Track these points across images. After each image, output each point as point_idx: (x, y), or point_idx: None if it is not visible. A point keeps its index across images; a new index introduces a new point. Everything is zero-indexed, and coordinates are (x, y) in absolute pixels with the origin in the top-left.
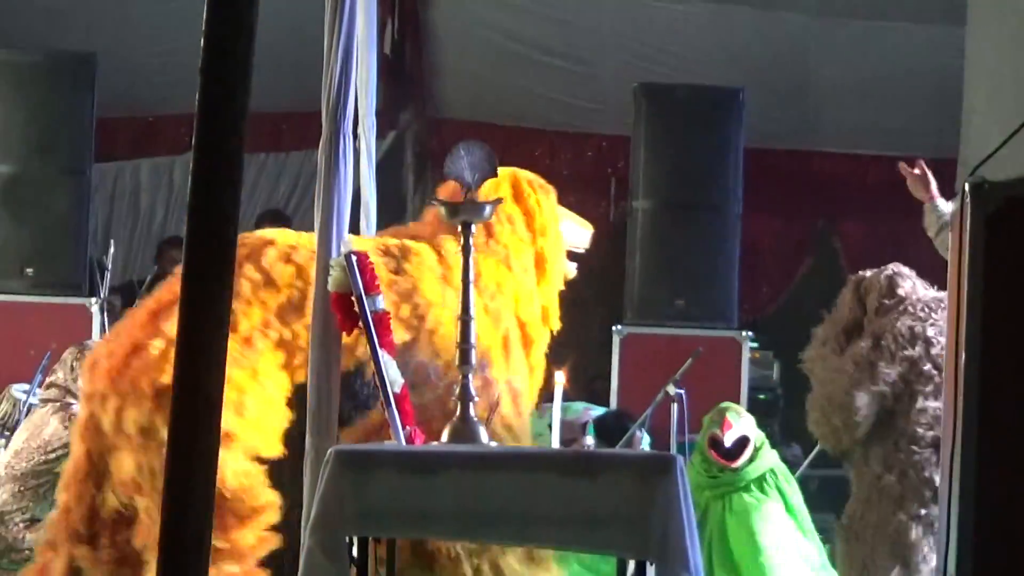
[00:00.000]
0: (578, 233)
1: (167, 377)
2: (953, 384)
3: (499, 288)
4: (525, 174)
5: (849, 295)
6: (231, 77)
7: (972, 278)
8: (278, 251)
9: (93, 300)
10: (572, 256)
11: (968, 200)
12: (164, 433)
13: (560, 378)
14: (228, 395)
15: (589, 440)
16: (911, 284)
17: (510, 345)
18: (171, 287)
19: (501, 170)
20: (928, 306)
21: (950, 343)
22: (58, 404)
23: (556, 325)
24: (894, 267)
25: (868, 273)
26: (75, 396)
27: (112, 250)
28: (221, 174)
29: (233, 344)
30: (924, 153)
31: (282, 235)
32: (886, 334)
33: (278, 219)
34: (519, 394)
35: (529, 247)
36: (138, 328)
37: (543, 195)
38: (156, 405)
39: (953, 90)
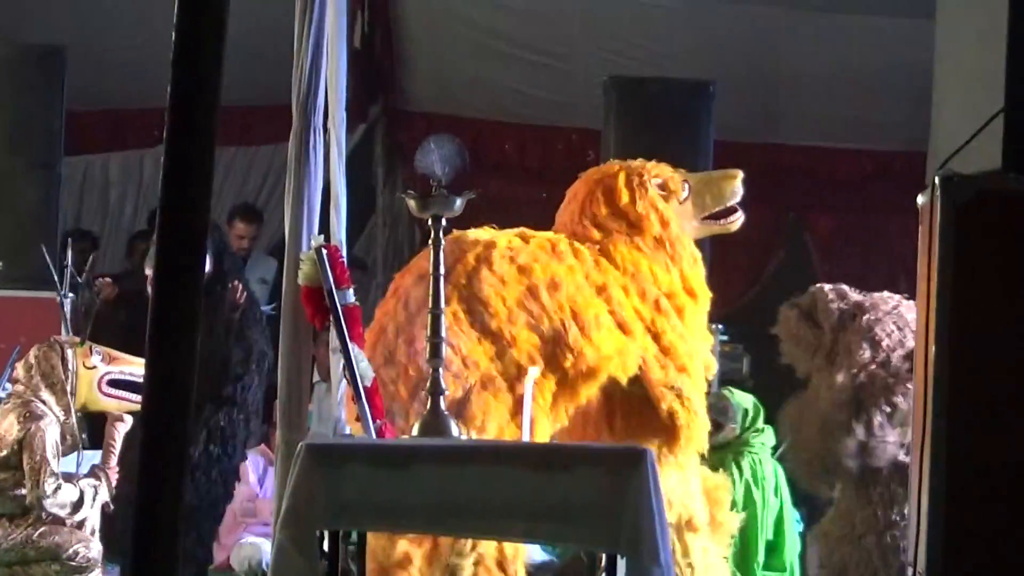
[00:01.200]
0: (724, 189)
1: None
2: (923, 375)
3: (636, 268)
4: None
5: (795, 323)
6: (202, 70)
7: (942, 270)
8: (501, 254)
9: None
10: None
11: (938, 193)
12: None
13: (534, 372)
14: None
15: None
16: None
17: (664, 309)
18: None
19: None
20: (881, 305)
21: (919, 335)
22: (19, 401)
23: (705, 294)
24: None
25: (798, 299)
26: (34, 393)
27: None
28: (193, 167)
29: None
30: (894, 146)
31: (498, 237)
32: (878, 334)
33: (249, 213)
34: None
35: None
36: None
37: (638, 191)
38: None
39: (923, 84)
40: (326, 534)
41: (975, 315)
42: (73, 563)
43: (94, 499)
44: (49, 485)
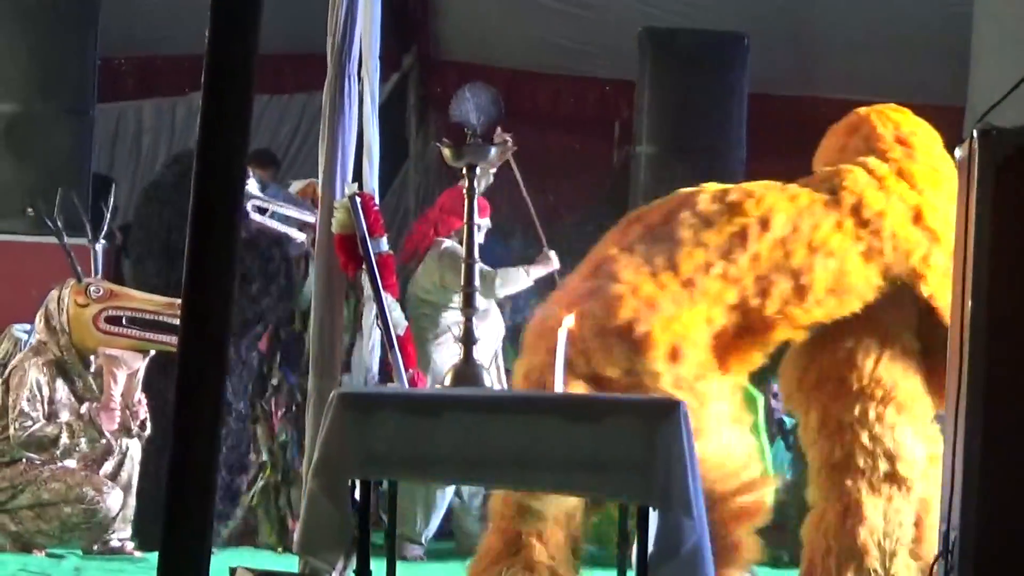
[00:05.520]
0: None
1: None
2: (959, 331)
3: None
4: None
5: None
6: (241, 14)
7: (980, 224)
8: (710, 195)
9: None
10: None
11: (976, 147)
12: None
13: (568, 321)
14: (663, 337)
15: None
16: None
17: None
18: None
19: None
20: None
21: (955, 288)
22: (32, 345)
23: None
24: None
25: None
26: (39, 335)
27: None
28: (230, 112)
29: (674, 286)
30: (929, 100)
31: (709, 185)
32: None
33: (264, 157)
34: None
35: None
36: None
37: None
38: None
39: (961, 36)
40: (358, 483)
41: (1013, 270)
42: (83, 505)
43: (72, 438)
44: (17, 424)
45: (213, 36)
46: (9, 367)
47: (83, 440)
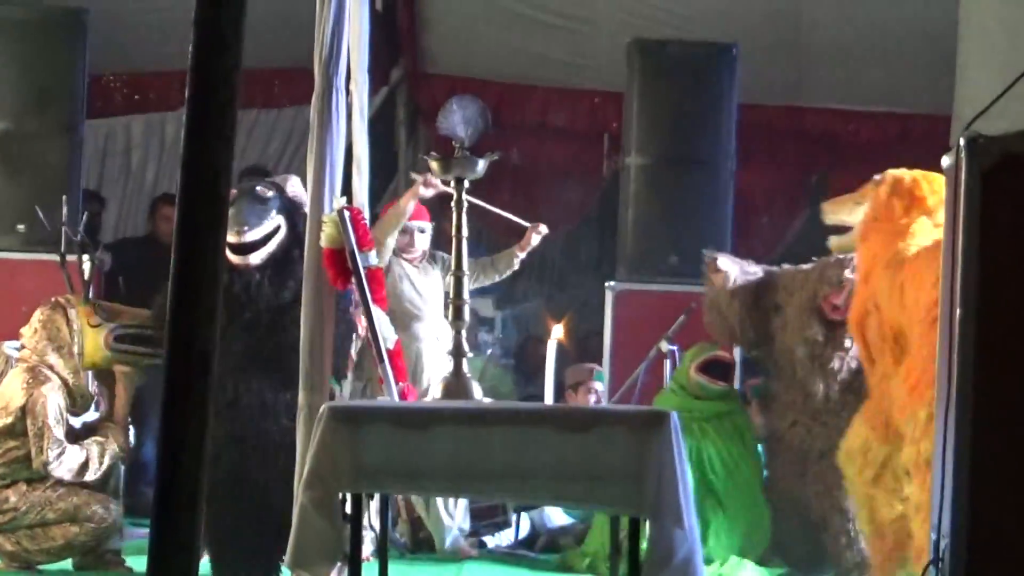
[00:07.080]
0: None
1: None
2: (948, 338)
3: None
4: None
5: None
6: (225, 28)
7: (968, 232)
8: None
9: (85, 257)
10: None
11: (963, 155)
12: None
13: (557, 332)
14: None
15: (598, 385)
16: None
17: None
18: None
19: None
20: None
21: (944, 298)
22: (25, 366)
23: None
24: None
25: None
26: (40, 357)
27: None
28: (214, 126)
29: None
30: (917, 109)
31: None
32: None
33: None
34: None
35: None
36: None
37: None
38: None
39: (947, 45)
40: (348, 496)
41: (1001, 277)
42: (92, 524)
43: (101, 459)
44: (52, 452)
45: (196, 52)
46: (23, 395)
47: (108, 457)
